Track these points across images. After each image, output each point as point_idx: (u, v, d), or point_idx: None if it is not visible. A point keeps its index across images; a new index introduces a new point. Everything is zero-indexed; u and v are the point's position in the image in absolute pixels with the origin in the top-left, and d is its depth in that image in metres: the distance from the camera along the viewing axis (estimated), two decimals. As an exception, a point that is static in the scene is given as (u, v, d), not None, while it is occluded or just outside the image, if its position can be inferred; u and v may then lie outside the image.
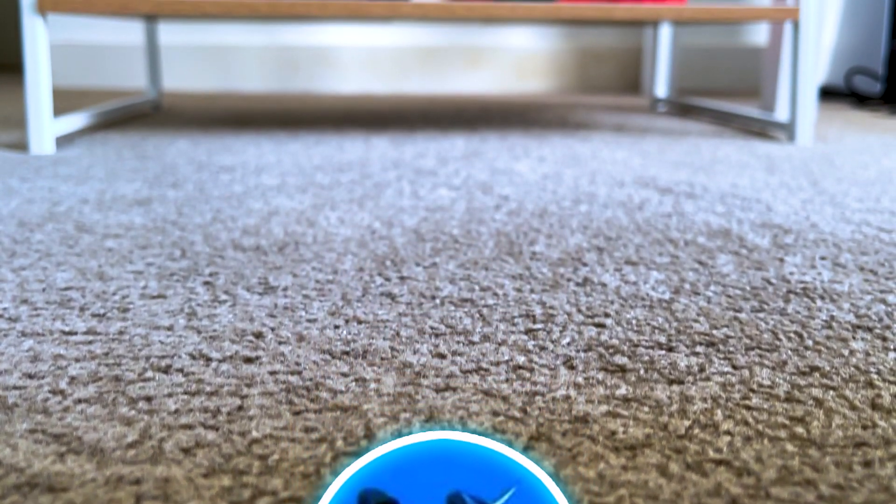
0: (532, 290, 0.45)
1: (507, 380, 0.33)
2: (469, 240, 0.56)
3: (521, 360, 0.35)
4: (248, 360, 0.35)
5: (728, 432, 0.29)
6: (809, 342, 0.37)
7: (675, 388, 0.32)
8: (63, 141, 1.06)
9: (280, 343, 0.37)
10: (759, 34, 2.06)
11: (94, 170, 0.84)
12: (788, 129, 1.13)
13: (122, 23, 1.92)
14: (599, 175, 0.83)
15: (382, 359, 0.35)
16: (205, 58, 1.94)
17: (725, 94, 1.97)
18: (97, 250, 0.53)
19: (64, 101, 1.57)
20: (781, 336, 0.38)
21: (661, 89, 1.62)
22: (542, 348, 0.36)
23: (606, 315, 0.40)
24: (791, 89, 1.12)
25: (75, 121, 1.12)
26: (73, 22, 1.92)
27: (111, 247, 0.54)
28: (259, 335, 0.38)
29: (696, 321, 0.40)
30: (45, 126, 0.99)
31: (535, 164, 0.90)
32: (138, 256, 0.52)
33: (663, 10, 1.07)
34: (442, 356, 0.35)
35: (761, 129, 1.23)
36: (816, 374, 0.33)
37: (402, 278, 0.47)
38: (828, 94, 1.87)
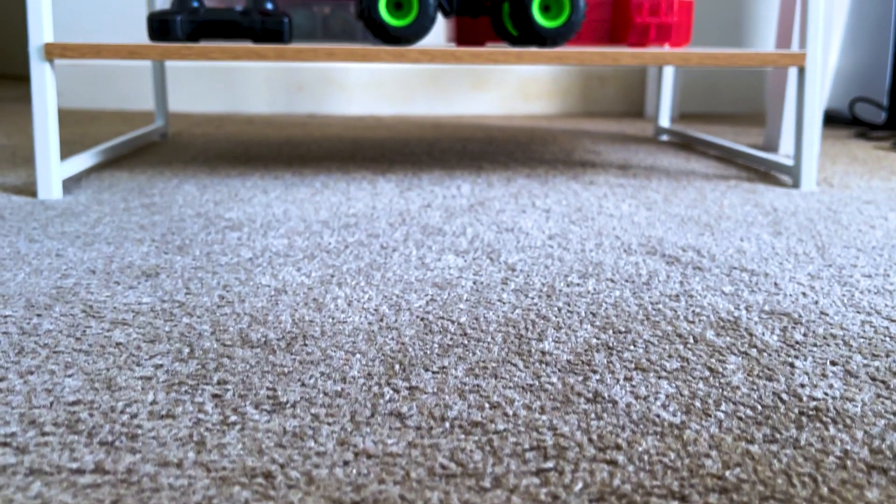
0: (542, 409, 0.44)
1: (519, 545, 0.33)
2: (477, 332, 0.56)
3: (534, 514, 0.35)
4: (259, 514, 0.34)
5: None
6: (824, 489, 0.37)
7: (689, 555, 0.32)
8: (71, 182, 1.07)
9: (290, 487, 0.36)
10: (766, 47, 2.05)
11: (101, 227, 0.84)
12: (793, 174, 1.13)
13: (126, 44, 1.92)
14: (605, 236, 0.83)
15: (394, 512, 0.35)
16: (211, 79, 1.94)
17: (730, 117, 1.97)
18: (105, 346, 0.53)
19: (73, 126, 1.57)
20: (795, 480, 0.37)
21: (665, 119, 1.62)
22: (555, 497, 0.36)
23: (618, 447, 0.40)
24: (796, 135, 1.12)
25: (83, 160, 1.12)
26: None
27: (119, 340, 0.54)
28: (268, 475, 0.37)
29: (707, 456, 0.40)
30: (53, 171, 0.99)
31: (540, 218, 0.90)
32: (146, 355, 0.52)
33: (669, 56, 1.07)
34: (453, 508, 0.35)
35: (766, 170, 1.23)
36: (831, 538, 0.33)
37: (410, 389, 0.47)
38: (831, 119, 1.87)
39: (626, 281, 0.68)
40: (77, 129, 1.62)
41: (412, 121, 1.86)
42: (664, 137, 1.61)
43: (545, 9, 1.05)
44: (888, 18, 1.75)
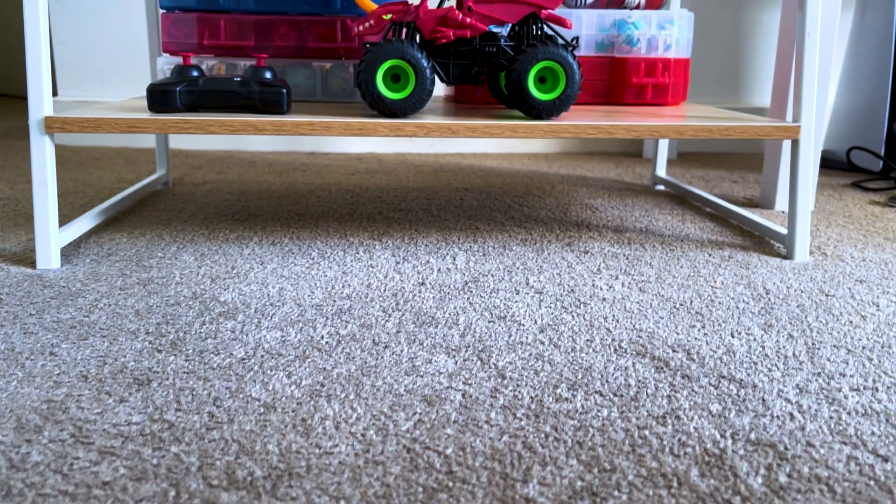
0: (521, 581, 0.45)
1: None
2: (462, 469, 0.56)
3: None
4: None
5: None
6: None
7: None
8: (70, 248, 1.08)
9: None
10: (763, 96, 2.06)
11: (97, 313, 0.85)
12: (787, 244, 1.13)
13: (132, 81, 1.93)
14: (597, 329, 0.83)
15: None
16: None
17: (728, 157, 1.97)
18: (91, 485, 0.54)
19: (75, 170, 1.57)
20: None
21: (662, 167, 1.62)
22: None
23: None
24: (790, 206, 1.12)
25: (83, 225, 1.13)
26: (84, 82, 1.92)
27: (106, 479, 0.54)
28: None
29: None
30: (52, 242, 1.00)
31: (534, 304, 0.91)
32: (131, 499, 0.52)
33: (663, 128, 1.08)
34: None
35: (760, 234, 1.24)
36: None
37: (393, 551, 0.47)
38: (827, 163, 1.87)
39: (615, 395, 0.69)
40: (79, 173, 1.63)
41: (412, 161, 1.87)
42: (660, 187, 1.62)
43: (541, 80, 1.06)
44: (886, 64, 1.76)
